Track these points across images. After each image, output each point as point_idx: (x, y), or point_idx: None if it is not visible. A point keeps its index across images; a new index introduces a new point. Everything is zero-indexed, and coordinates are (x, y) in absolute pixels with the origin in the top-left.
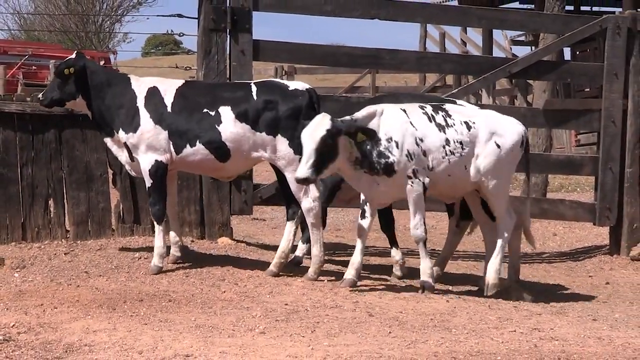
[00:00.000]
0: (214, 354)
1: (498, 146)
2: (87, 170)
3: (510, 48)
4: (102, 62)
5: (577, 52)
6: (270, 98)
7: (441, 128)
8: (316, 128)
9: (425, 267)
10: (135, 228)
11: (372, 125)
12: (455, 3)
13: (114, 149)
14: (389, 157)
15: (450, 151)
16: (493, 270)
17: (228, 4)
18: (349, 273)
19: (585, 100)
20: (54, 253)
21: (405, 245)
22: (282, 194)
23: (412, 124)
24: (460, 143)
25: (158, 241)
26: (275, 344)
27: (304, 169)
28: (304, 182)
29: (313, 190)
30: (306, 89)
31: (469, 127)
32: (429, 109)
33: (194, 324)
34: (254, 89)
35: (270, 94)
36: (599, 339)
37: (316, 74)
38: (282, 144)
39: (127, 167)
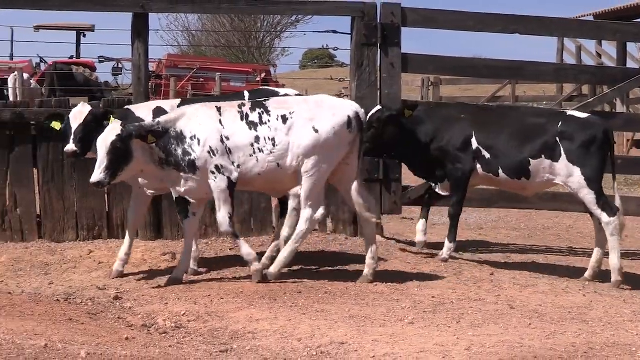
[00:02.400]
0: (367, 342)
1: (316, 130)
2: None
3: None
4: (263, 75)
5: None
6: None
7: (252, 126)
8: (108, 134)
9: (245, 254)
10: None
11: (179, 125)
12: (591, 18)
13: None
14: (191, 154)
15: (259, 149)
16: (283, 257)
17: (379, 21)
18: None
19: None
20: (220, 249)
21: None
22: None
23: (220, 122)
24: (272, 140)
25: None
26: (423, 333)
27: (96, 173)
28: (97, 186)
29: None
30: (295, 94)
31: (285, 120)
32: (246, 107)
33: (348, 314)
34: (246, 94)
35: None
36: None
37: (460, 84)
38: None
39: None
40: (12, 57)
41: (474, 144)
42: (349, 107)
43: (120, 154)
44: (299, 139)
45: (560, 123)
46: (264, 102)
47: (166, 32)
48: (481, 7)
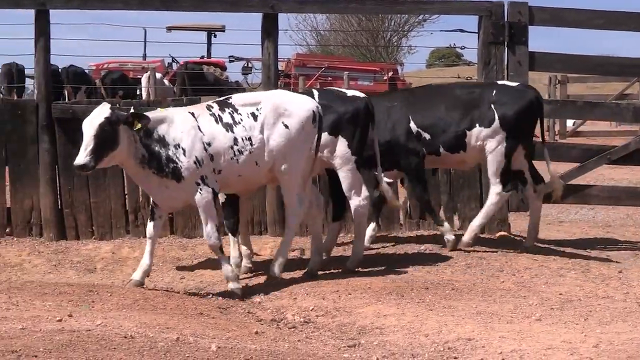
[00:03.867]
0: (494, 338)
1: (286, 127)
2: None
3: None
4: (390, 73)
5: None
6: (330, 103)
7: (228, 128)
8: (96, 116)
9: (226, 271)
10: (421, 223)
11: (162, 128)
12: None
13: None
14: (177, 163)
15: (238, 150)
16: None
17: (506, 19)
18: (136, 274)
19: None
20: (348, 245)
21: None
22: (330, 192)
23: (199, 129)
24: (249, 139)
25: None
26: (550, 330)
27: (82, 155)
28: (81, 169)
29: (364, 190)
30: (363, 97)
31: (255, 117)
32: (215, 108)
33: (475, 310)
34: (315, 93)
35: (329, 99)
36: None
37: (587, 82)
38: (342, 144)
39: None
40: (144, 57)
41: (414, 128)
42: (311, 103)
43: (107, 137)
44: (272, 135)
45: (494, 92)
46: (228, 101)
47: (295, 31)
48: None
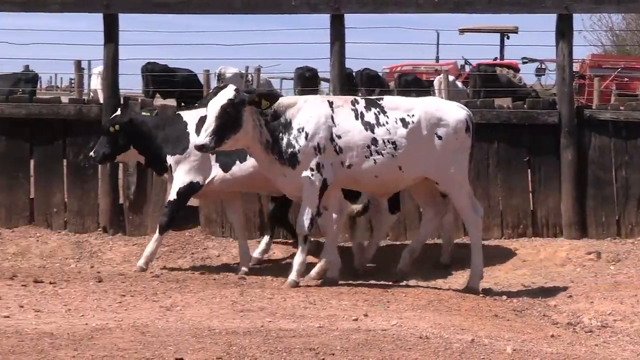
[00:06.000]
0: None
1: (440, 137)
2: None
3: None
4: None
5: None
6: None
7: (368, 126)
8: (220, 98)
9: (297, 262)
10: None
11: (290, 112)
12: None
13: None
14: (294, 147)
15: (377, 151)
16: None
17: None
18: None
19: None
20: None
21: None
22: None
23: (332, 119)
24: (393, 143)
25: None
26: None
27: (202, 136)
28: (201, 149)
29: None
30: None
31: (406, 124)
32: (360, 104)
33: None
34: None
35: None
36: None
37: None
38: None
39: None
40: (437, 59)
41: None
42: (463, 111)
43: (229, 119)
44: (427, 147)
45: None
46: (378, 102)
47: (589, 32)
48: None
